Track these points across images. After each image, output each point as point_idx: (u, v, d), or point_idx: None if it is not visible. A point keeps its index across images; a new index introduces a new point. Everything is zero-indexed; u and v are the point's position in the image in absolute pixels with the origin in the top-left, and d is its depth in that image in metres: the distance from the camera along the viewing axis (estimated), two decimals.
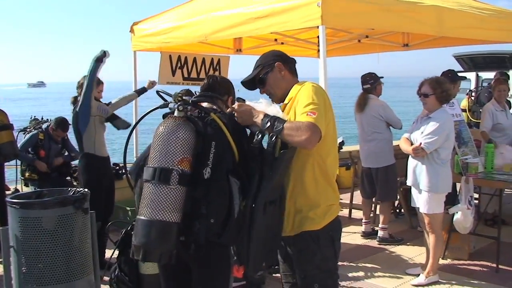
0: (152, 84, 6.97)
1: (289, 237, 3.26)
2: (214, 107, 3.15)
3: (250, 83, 3.40)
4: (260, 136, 2.95)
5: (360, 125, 7.00)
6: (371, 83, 6.89)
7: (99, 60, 5.74)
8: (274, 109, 3.09)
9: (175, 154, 2.78)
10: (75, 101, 5.99)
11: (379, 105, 6.87)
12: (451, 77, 6.69)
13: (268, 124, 2.94)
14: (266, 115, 2.99)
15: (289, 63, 3.37)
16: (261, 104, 3.13)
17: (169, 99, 3.12)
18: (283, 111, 3.21)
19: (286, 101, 3.27)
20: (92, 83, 5.74)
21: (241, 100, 3.28)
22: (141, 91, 6.77)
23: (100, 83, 6.05)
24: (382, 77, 7.04)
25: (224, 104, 3.30)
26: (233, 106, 3.15)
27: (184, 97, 3.00)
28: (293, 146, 3.00)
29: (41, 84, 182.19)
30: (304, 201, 3.21)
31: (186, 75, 8.06)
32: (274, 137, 2.90)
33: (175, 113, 2.93)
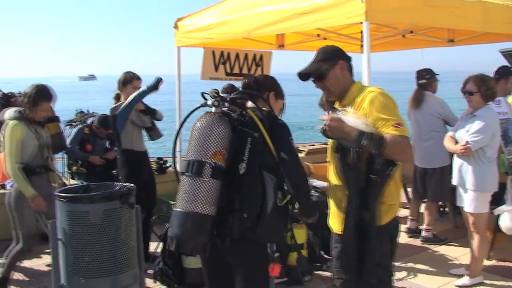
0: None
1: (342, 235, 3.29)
2: (253, 104, 3.20)
3: (305, 75, 3.36)
4: (356, 156, 3.02)
5: (415, 123, 6.78)
6: (428, 78, 6.74)
7: (153, 88, 5.78)
8: (362, 121, 3.08)
9: (209, 148, 2.88)
10: (117, 97, 6.08)
11: (437, 102, 6.70)
12: (502, 72, 6.47)
13: (365, 142, 2.98)
14: (360, 133, 3.01)
15: (349, 62, 3.35)
16: (349, 114, 3.11)
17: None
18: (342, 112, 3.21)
19: (347, 102, 3.25)
20: (134, 104, 5.83)
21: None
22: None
23: (138, 79, 6.10)
24: (438, 74, 6.88)
25: (266, 101, 3.30)
26: (324, 118, 3.13)
27: (221, 94, 3.08)
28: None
29: (91, 77, 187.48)
30: None
31: (228, 70, 8.10)
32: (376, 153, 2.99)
33: (212, 109, 3.04)
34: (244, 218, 2.93)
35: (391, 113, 3.09)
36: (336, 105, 3.35)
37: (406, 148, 3.05)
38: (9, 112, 5.10)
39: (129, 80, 6.00)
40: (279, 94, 3.57)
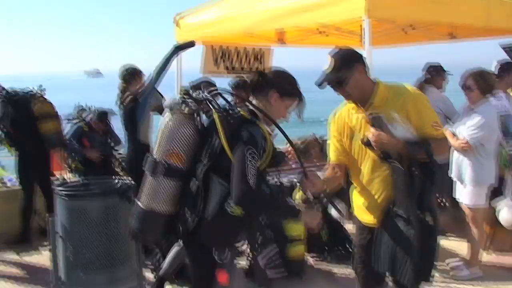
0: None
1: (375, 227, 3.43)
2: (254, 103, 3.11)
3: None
4: (418, 172, 3.10)
5: None
6: (433, 74, 6.76)
7: (183, 48, 5.68)
8: (408, 128, 3.15)
9: (166, 148, 2.92)
10: (124, 90, 6.08)
11: (439, 97, 6.69)
12: (506, 67, 6.52)
13: (415, 152, 3.10)
14: (409, 143, 3.11)
15: (364, 62, 3.33)
16: (396, 122, 3.14)
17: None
18: (371, 115, 3.24)
19: (377, 104, 3.25)
20: (163, 73, 5.64)
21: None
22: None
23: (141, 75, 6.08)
24: (451, 74, 6.87)
25: (247, 100, 3.14)
26: (368, 135, 3.16)
27: (191, 93, 3.05)
28: None
29: (98, 73, 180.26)
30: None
31: (229, 66, 8.10)
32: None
33: (182, 107, 2.99)
34: (188, 221, 2.92)
35: (431, 112, 3.25)
36: (363, 109, 3.32)
37: (446, 149, 3.35)
38: None
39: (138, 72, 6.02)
40: (286, 93, 3.16)
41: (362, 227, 3.55)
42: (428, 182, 3.18)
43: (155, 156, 2.95)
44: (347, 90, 3.27)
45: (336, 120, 3.50)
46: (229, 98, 3.13)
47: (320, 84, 3.29)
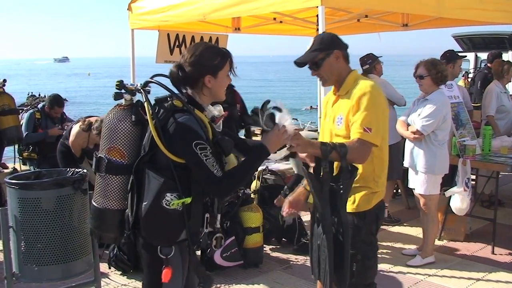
0: None
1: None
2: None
3: (301, 63, 3.35)
4: (327, 166, 3.02)
5: None
6: (369, 63, 6.86)
7: None
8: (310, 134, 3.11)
9: (105, 143, 2.85)
10: None
11: (380, 82, 6.81)
12: (449, 56, 6.69)
13: (332, 154, 3.02)
14: (323, 143, 3.06)
15: (345, 50, 3.35)
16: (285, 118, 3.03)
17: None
18: (336, 101, 3.33)
19: (342, 93, 3.30)
20: None
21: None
22: None
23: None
24: (381, 56, 6.99)
25: (202, 85, 2.91)
26: (288, 137, 2.94)
27: (125, 84, 2.92)
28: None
29: (65, 59, 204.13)
30: (360, 188, 3.29)
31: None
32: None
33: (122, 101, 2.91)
34: (128, 217, 2.87)
35: (368, 114, 3.12)
36: (335, 93, 3.38)
37: (363, 155, 3.12)
38: None
39: None
40: (216, 68, 2.90)
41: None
42: (339, 188, 3.05)
43: (99, 154, 2.88)
44: (321, 72, 3.32)
45: (323, 102, 3.56)
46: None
47: (297, 63, 3.33)
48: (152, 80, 2.87)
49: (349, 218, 3.20)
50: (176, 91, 2.90)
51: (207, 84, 2.88)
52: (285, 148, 3.03)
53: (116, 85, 2.90)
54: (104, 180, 2.86)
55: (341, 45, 3.35)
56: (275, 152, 2.94)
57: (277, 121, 2.86)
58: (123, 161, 2.83)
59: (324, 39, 3.35)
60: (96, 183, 2.90)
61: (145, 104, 2.80)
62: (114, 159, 2.82)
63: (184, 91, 2.92)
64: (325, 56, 3.27)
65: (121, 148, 2.82)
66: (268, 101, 2.95)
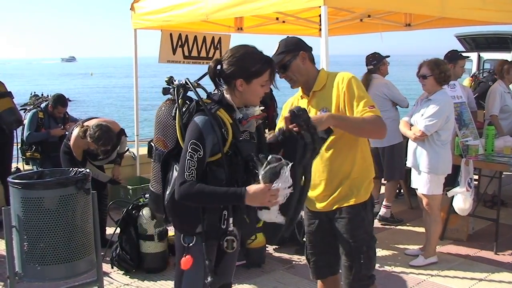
0: None
1: (332, 211, 3.46)
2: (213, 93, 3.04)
3: None
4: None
5: None
6: (374, 63, 6.86)
7: None
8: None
9: (154, 133, 3.09)
10: None
11: (383, 83, 6.83)
12: (450, 56, 6.68)
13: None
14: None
15: (310, 52, 3.45)
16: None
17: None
18: (312, 99, 3.42)
19: (317, 88, 3.41)
20: None
21: None
22: None
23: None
24: (388, 56, 6.99)
25: (234, 86, 2.93)
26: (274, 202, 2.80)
27: (173, 80, 3.06)
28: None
29: (72, 59, 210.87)
30: (352, 180, 3.41)
31: (186, 53, 8.01)
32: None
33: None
34: (163, 205, 3.01)
35: (365, 95, 3.30)
36: (305, 93, 3.48)
37: (385, 128, 3.28)
38: None
39: None
40: (251, 75, 2.90)
41: (309, 214, 3.64)
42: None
43: (152, 143, 3.12)
44: (289, 74, 3.39)
45: (286, 107, 3.55)
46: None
47: None
48: (189, 81, 2.98)
49: (354, 210, 3.36)
50: (206, 89, 3.01)
51: (238, 87, 2.91)
52: (277, 210, 2.89)
53: (166, 80, 3.07)
54: (154, 167, 3.10)
55: (306, 47, 3.44)
56: (269, 209, 2.82)
57: (274, 183, 2.69)
58: (165, 151, 3.01)
59: (289, 42, 3.45)
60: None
61: (179, 101, 2.93)
62: (160, 148, 3.04)
63: (221, 87, 3.01)
64: (292, 58, 3.36)
65: (163, 138, 3.03)
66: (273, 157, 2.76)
